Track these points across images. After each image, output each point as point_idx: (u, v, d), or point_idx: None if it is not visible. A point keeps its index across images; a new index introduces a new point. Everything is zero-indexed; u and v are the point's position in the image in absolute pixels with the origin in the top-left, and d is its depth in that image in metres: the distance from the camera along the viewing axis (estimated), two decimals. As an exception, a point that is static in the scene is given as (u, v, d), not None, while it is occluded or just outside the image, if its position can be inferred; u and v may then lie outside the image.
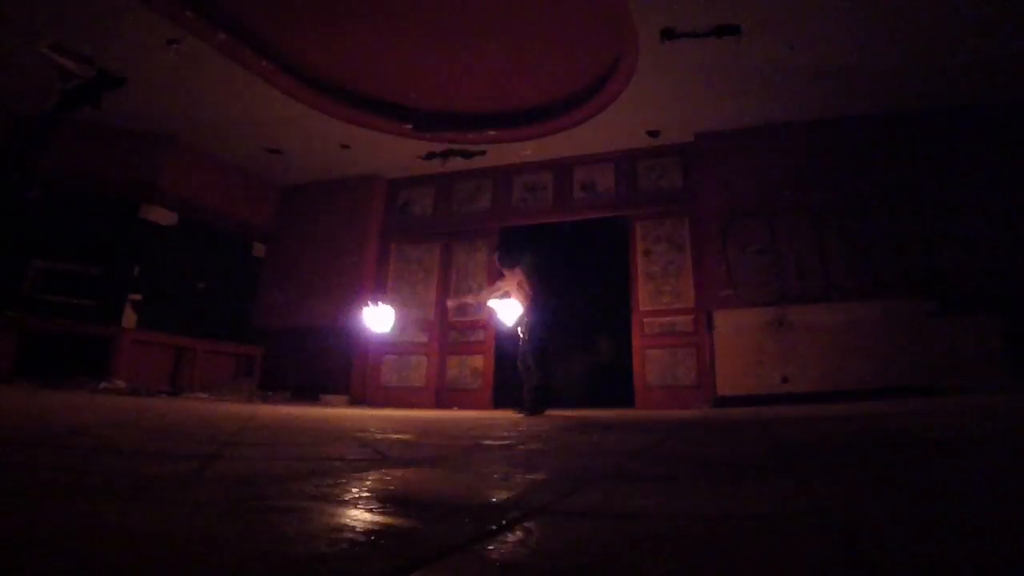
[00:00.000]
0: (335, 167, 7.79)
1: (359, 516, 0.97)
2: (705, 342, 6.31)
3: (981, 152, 5.88)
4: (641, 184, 7.12)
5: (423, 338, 7.48)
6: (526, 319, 5.22)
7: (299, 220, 8.30)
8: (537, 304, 5.20)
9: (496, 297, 5.58)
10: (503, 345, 6.74)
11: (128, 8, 4.73)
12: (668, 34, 4.94)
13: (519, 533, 0.87)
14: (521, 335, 5.24)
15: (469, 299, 6.43)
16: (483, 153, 7.34)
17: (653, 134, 6.74)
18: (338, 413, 4.75)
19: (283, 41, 5.59)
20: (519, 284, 5.33)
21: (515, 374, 5.25)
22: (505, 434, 2.85)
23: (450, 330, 7.49)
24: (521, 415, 4.75)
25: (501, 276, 5.63)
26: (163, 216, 6.93)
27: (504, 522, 0.93)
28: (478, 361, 7.23)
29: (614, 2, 4.70)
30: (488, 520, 0.94)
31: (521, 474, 1.51)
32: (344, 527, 0.88)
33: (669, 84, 5.72)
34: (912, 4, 4.61)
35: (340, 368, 7.49)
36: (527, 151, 7.23)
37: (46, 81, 5.60)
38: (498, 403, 6.88)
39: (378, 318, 6.21)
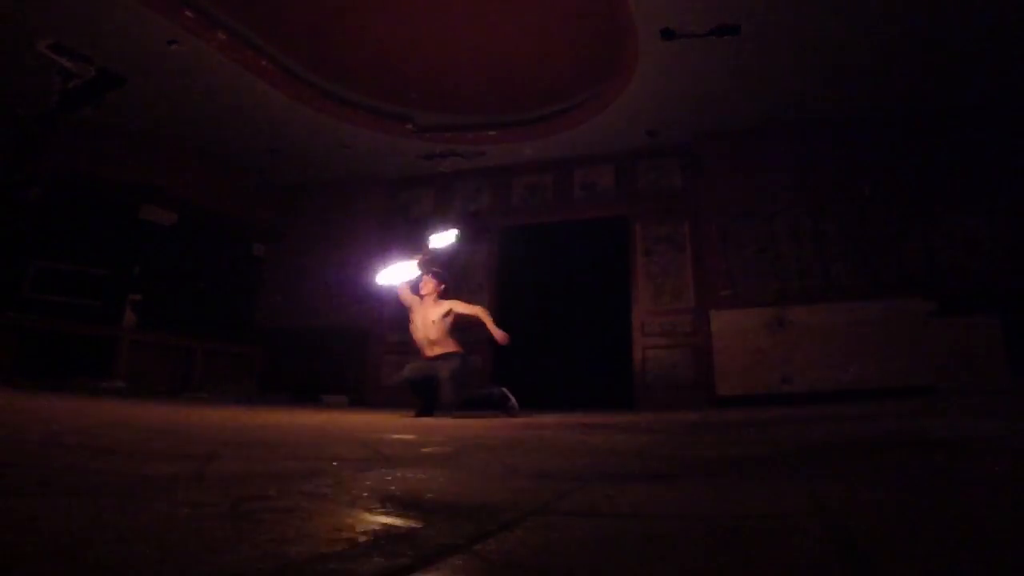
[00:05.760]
0: (335, 167, 7.79)
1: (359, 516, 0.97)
2: (705, 342, 6.30)
3: (981, 152, 5.88)
4: (641, 184, 7.12)
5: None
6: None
7: (299, 220, 8.30)
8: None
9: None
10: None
11: (128, 8, 4.73)
12: (668, 34, 4.94)
13: (519, 532, 0.87)
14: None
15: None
16: (483, 154, 7.34)
17: (653, 134, 6.74)
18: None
19: (284, 40, 5.59)
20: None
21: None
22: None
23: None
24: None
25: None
26: (163, 216, 6.93)
27: (504, 522, 0.93)
28: (476, 361, 7.22)
29: (614, 2, 4.70)
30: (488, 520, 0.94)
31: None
32: (344, 527, 0.88)
33: (669, 84, 5.72)
34: (913, 5, 4.61)
35: (340, 368, 7.49)
36: (527, 151, 7.23)
37: (46, 81, 5.60)
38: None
39: (395, 273, 5.10)
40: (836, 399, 5.39)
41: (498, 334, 4.70)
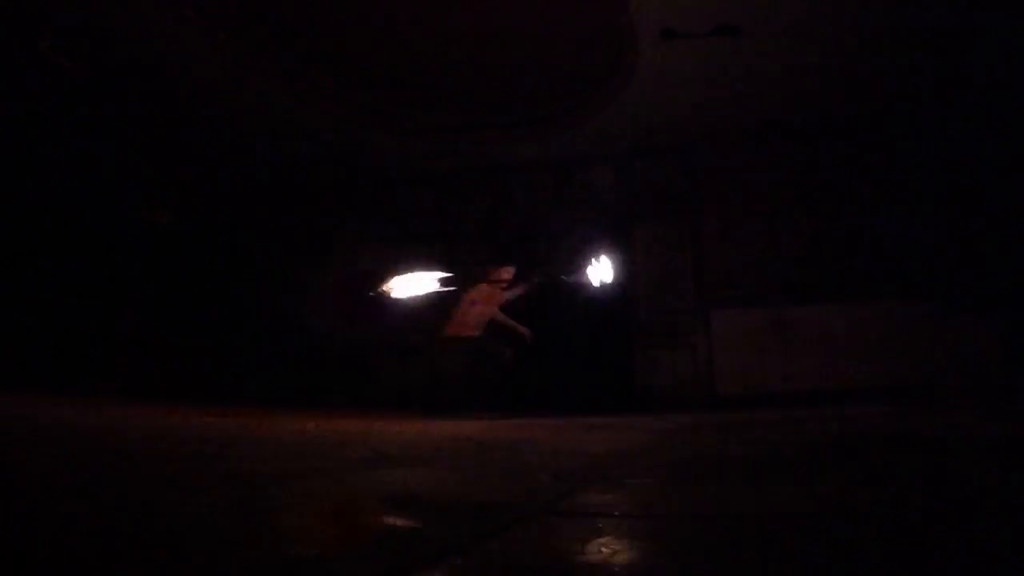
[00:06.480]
0: (335, 167, 7.78)
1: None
2: (705, 342, 6.30)
3: (981, 152, 5.88)
4: (641, 184, 7.12)
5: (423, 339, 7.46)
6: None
7: (300, 220, 8.28)
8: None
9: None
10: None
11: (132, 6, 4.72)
12: (668, 34, 4.94)
13: (519, 532, 0.87)
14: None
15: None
16: (483, 154, 7.33)
17: (653, 134, 6.74)
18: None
19: (284, 37, 5.59)
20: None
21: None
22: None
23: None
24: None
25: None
26: (165, 216, 6.93)
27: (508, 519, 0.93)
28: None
29: (614, 2, 4.70)
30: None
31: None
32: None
33: (669, 84, 5.71)
34: (913, 5, 4.61)
35: (340, 370, 7.48)
36: (527, 152, 7.22)
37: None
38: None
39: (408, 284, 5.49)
40: (836, 399, 5.38)
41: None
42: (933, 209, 5.92)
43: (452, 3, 5.11)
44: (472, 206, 7.76)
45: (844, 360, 5.70)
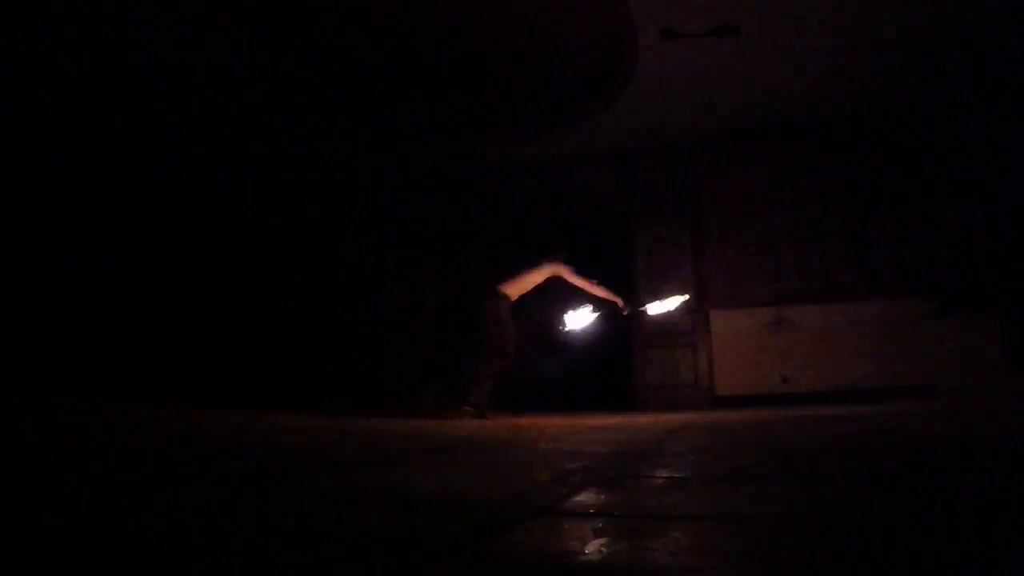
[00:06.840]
0: (335, 168, 7.78)
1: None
2: (704, 342, 6.31)
3: (981, 151, 5.88)
4: (641, 184, 7.13)
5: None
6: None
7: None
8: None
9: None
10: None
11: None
12: (668, 34, 4.95)
13: (520, 533, 0.87)
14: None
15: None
16: (482, 154, 7.33)
17: (653, 134, 6.74)
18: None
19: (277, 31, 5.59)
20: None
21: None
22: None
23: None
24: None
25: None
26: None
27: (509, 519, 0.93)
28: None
29: (614, 2, 4.70)
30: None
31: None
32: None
33: (669, 84, 5.72)
34: (911, 5, 4.61)
35: (342, 370, 7.49)
36: (526, 152, 7.23)
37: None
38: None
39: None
40: (835, 399, 5.40)
41: None
42: (933, 209, 5.92)
43: (451, 3, 5.11)
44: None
45: (844, 360, 5.71)
